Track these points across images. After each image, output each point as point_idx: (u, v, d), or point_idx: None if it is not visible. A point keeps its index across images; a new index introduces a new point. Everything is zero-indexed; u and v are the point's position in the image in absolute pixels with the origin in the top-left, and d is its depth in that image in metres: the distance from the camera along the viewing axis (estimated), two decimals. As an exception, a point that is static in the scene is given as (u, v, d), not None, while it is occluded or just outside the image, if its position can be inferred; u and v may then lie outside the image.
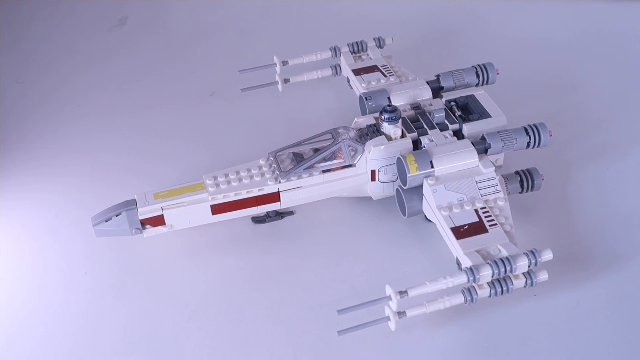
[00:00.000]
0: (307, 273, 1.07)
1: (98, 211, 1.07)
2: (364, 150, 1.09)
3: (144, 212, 1.05)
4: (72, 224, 1.15)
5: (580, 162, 1.21)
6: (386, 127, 1.09)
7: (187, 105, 1.38)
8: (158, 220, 1.07)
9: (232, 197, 1.07)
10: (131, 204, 1.06)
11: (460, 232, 0.99)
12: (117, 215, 1.05)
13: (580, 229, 1.10)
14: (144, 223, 1.06)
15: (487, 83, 1.20)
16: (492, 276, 0.94)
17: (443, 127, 1.11)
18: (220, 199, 1.07)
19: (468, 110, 1.15)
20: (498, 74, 1.20)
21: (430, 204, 1.04)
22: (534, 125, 1.08)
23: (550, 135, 1.08)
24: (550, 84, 1.39)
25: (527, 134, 1.08)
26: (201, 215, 1.08)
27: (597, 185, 1.17)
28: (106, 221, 1.05)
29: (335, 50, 1.30)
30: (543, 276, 0.96)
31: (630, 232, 1.10)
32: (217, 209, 1.08)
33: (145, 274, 1.08)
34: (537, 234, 1.09)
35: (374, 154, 1.08)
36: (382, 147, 1.08)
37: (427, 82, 1.19)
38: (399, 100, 1.17)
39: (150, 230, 1.07)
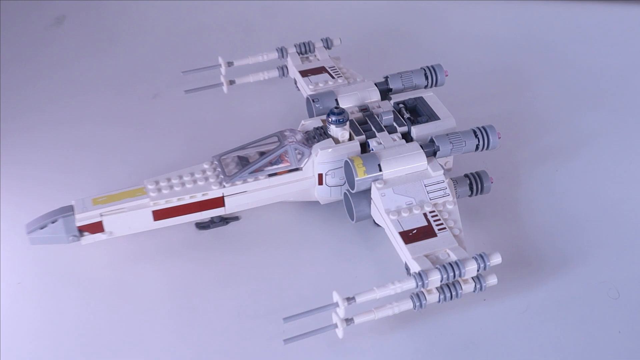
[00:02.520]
0: (252, 280, 1.06)
1: (33, 218, 1.05)
2: (310, 153, 1.08)
3: (82, 218, 1.03)
4: (5, 231, 1.12)
5: (530, 165, 1.23)
6: (333, 130, 1.09)
7: (128, 108, 1.36)
8: (97, 227, 1.05)
9: (174, 202, 1.06)
10: (68, 210, 1.04)
11: (408, 237, 0.99)
12: (52, 222, 1.03)
13: (530, 233, 1.11)
14: (81, 230, 1.04)
15: (436, 85, 1.21)
16: (441, 281, 0.95)
17: (391, 130, 1.11)
18: (163, 205, 1.06)
19: (417, 112, 1.15)
20: (447, 75, 1.21)
21: (378, 208, 1.04)
22: (483, 127, 1.09)
23: (499, 138, 1.09)
24: (499, 86, 1.40)
25: (476, 136, 1.09)
26: (142, 221, 1.06)
27: (546, 188, 1.19)
28: (41, 228, 1.03)
29: (282, 51, 1.30)
30: (492, 280, 0.97)
31: (578, 235, 1.11)
32: (159, 214, 1.06)
33: (82, 283, 1.05)
34: (487, 238, 1.10)
35: (321, 157, 1.08)
36: (330, 150, 1.08)
37: (376, 84, 1.20)
38: (347, 103, 1.17)
39: (89, 238, 1.05)
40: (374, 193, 1.04)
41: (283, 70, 1.31)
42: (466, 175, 1.11)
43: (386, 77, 1.20)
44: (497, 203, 1.16)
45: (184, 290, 1.05)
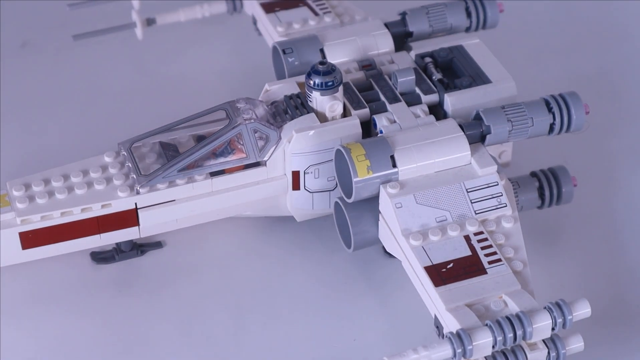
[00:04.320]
0: (184, 344, 1.06)
1: None
2: (280, 138, 1.09)
3: None
4: None
5: (635, 158, 1.25)
6: (318, 100, 1.10)
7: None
8: None
9: (56, 218, 1.07)
10: None
11: (441, 275, 1.00)
12: None
13: (636, 267, 1.13)
14: None
15: (484, 27, 1.22)
16: (494, 346, 0.95)
17: (412, 100, 1.12)
18: (37, 222, 1.06)
19: (454, 71, 1.16)
20: (502, 11, 1.22)
21: (391, 228, 1.05)
22: (560, 96, 1.10)
23: (587, 113, 1.10)
24: (586, 29, 1.42)
25: (550, 110, 1.09)
26: (4, 249, 1.07)
27: (663, 194, 1.21)
28: None
29: (233, -28, 1.31)
30: (577, 345, 0.97)
31: None
32: (30, 239, 1.07)
33: None
34: (566, 276, 1.11)
35: (298, 145, 1.09)
36: (311, 132, 1.09)
37: (386, 25, 1.21)
38: (340, 55, 1.18)
39: None
40: (385, 203, 1.05)
41: (234, 2, 1.31)
42: (534, 174, 1.13)
43: (403, 14, 1.21)
44: (584, 218, 1.17)
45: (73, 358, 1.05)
